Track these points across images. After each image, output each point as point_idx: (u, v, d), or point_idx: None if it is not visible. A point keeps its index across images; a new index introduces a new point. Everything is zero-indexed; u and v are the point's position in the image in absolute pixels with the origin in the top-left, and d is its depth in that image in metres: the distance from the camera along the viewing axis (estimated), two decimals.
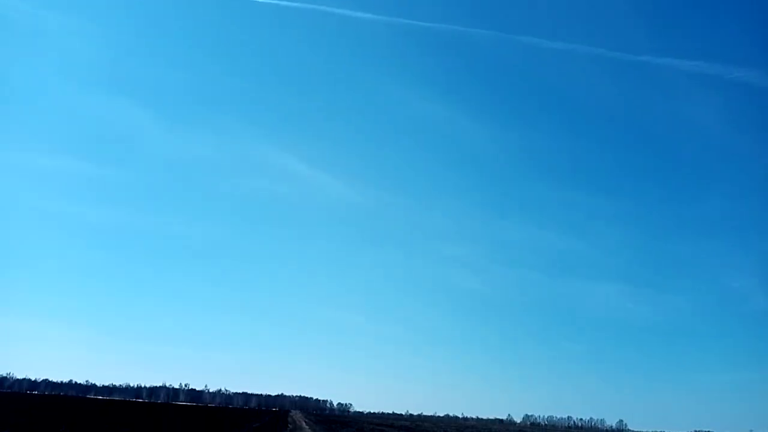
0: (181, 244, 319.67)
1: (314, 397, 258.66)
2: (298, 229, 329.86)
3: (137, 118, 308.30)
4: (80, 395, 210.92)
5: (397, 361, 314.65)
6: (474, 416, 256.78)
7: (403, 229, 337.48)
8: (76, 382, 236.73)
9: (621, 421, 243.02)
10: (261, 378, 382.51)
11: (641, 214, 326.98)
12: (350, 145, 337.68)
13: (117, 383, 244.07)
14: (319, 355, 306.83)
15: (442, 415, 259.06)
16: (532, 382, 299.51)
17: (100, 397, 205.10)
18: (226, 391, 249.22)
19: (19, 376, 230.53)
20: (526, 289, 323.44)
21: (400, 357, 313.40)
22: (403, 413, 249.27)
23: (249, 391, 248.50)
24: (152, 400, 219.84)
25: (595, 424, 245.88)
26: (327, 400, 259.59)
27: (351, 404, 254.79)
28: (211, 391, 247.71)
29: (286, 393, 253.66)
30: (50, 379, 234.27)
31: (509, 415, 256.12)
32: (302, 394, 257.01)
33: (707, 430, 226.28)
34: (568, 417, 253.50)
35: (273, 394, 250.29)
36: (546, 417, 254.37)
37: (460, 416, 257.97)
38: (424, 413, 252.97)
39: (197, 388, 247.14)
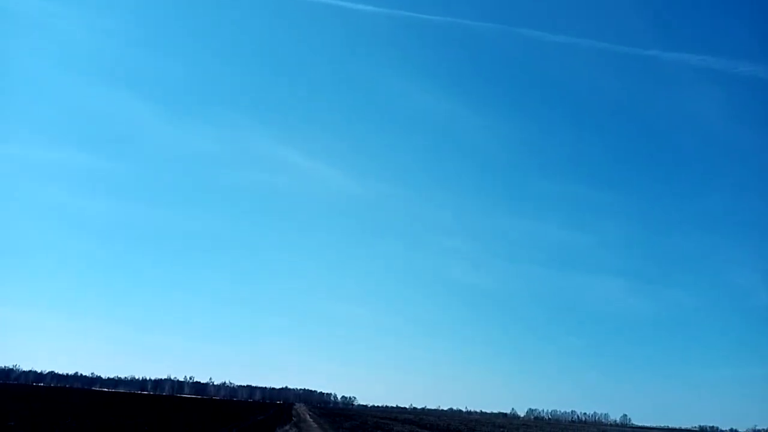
0: (184, 237, 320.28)
1: (318, 391, 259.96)
2: (299, 222, 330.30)
3: (138, 111, 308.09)
4: (86, 387, 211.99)
5: (400, 355, 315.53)
6: (478, 410, 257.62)
7: (403, 222, 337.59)
8: (81, 375, 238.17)
9: (625, 415, 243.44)
10: (265, 371, 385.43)
11: (644, 208, 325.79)
12: (351, 137, 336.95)
13: (122, 376, 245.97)
14: (324, 348, 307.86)
15: (445, 408, 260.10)
16: (535, 377, 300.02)
17: (106, 390, 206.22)
18: (231, 384, 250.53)
19: (25, 369, 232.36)
20: (530, 283, 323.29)
21: (404, 350, 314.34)
22: (407, 407, 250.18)
23: (253, 384, 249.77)
24: (157, 393, 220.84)
25: (598, 418, 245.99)
26: (331, 394, 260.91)
27: (355, 397, 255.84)
28: (215, 383, 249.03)
29: (291, 386, 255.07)
30: (56, 372, 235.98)
31: (513, 409, 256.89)
32: (306, 388, 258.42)
33: (711, 425, 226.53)
34: (572, 411, 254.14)
35: (277, 387, 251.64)
36: (550, 411, 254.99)
37: (464, 410, 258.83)
38: (428, 407, 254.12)
39: (202, 381, 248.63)
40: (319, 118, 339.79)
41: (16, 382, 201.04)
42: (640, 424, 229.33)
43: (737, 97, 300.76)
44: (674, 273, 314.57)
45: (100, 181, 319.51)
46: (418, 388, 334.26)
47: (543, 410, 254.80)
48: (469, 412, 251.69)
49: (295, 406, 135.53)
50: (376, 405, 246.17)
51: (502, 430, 68.43)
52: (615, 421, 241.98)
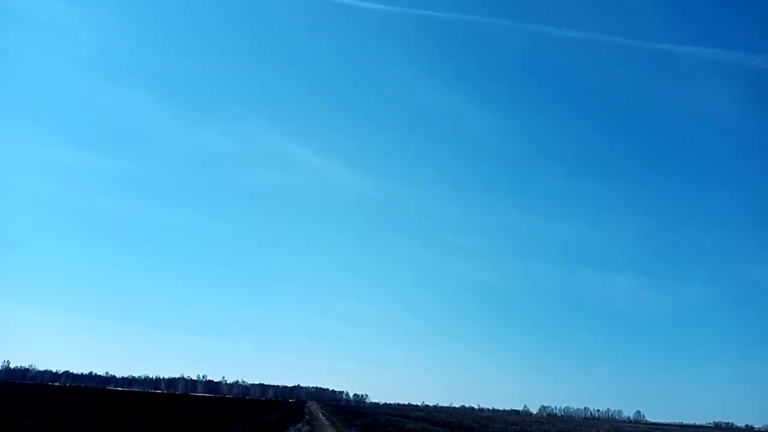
0: (198, 236, 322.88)
1: (330, 388, 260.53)
2: (309, 220, 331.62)
3: (150, 110, 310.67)
4: (100, 387, 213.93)
5: (412, 353, 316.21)
6: (490, 407, 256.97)
7: (413, 220, 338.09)
8: (96, 374, 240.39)
9: (638, 412, 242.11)
10: (277, 369, 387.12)
11: (656, 204, 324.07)
12: (361, 135, 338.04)
13: (136, 375, 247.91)
14: (335, 346, 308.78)
15: (458, 406, 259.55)
16: (548, 374, 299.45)
17: (120, 389, 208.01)
18: (244, 382, 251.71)
19: (41, 369, 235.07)
20: (541, 280, 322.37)
21: (416, 348, 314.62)
22: (419, 404, 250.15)
23: (266, 383, 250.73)
24: (171, 392, 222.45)
25: (612, 415, 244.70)
26: (343, 391, 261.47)
27: (367, 395, 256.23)
28: (228, 382, 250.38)
29: (303, 384, 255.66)
30: (71, 371, 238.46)
31: (525, 406, 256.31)
32: (318, 385, 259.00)
33: (726, 421, 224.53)
34: (585, 408, 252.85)
35: (290, 385, 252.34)
36: (563, 408, 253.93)
37: (476, 407, 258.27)
38: (440, 404, 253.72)
39: (215, 380, 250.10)
40: (329, 116, 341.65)
41: (32, 382, 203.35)
42: (654, 421, 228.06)
43: (751, 90, 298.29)
44: (687, 268, 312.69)
45: (114, 181, 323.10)
46: (430, 385, 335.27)
47: (556, 407, 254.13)
48: (481, 410, 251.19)
49: (307, 404, 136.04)
50: (388, 402, 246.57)
51: (514, 427, 68.31)
52: (628, 417, 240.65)
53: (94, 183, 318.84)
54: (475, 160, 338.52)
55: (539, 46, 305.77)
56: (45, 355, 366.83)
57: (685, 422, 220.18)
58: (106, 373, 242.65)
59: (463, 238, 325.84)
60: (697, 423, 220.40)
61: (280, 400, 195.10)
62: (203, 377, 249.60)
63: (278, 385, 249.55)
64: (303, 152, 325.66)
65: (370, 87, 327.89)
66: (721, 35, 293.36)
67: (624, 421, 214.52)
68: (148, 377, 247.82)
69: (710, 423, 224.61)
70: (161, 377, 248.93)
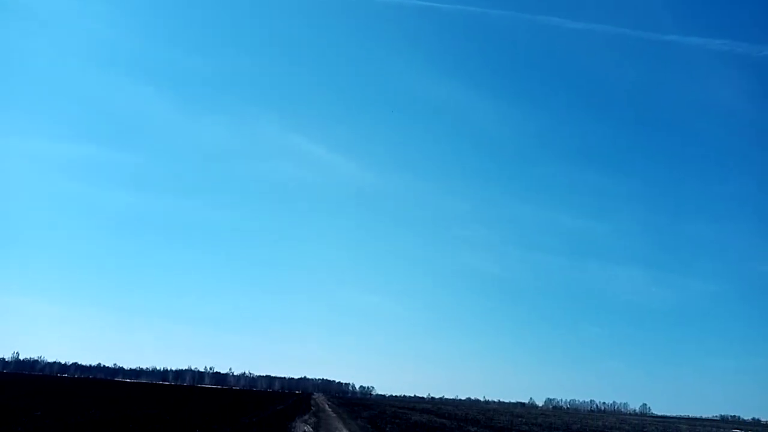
0: (204, 229, 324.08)
1: (337, 380, 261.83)
2: (314, 212, 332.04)
3: (153, 103, 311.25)
4: (108, 378, 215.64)
5: (418, 345, 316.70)
6: (496, 399, 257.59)
7: (419, 212, 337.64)
8: (104, 366, 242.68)
9: (644, 404, 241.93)
10: (284, 361, 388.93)
11: (663, 196, 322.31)
12: (365, 128, 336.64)
13: (144, 366, 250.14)
14: (342, 338, 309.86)
15: (463, 398, 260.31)
16: (554, 366, 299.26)
17: (128, 380, 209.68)
18: (250, 374, 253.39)
19: (50, 360, 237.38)
20: (547, 272, 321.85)
21: (422, 340, 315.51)
22: (425, 396, 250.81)
23: (272, 374, 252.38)
24: (178, 383, 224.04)
25: (618, 407, 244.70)
26: (349, 383, 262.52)
27: (373, 387, 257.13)
28: (235, 374, 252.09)
29: (309, 376, 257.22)
30: (80, 363, 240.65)
31: (531, 398, 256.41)
32: (325, 377, 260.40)
33: (732, 414, 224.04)
34: (591, 401, 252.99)
35: (296, 377, 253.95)
36: (568, 401, 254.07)
37: (482, 399, 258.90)
38: (446, 396, 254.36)
39: (222, 372, 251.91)
40: (333, 108, 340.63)
41: (41, 374, 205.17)
42: (660, 414, 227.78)
43: (758, 82, 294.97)
44: (693, 261, 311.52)
45: (122, 174, 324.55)
46: (436, 377, 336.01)
47: (561, 400, 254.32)
48: (487, 402, 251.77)
49: (313, 396, 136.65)
50: (394, 395, 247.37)
51: (520, 419, 68.42)
52: (634, 410, 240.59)
53: (104, 176, 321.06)
54: (481, 153, 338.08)
55: (544, 38, 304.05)
56: (54, 346, 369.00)
57: (691, 415, 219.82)
58: (114, 364, 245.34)
59: (469, 230, 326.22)
60: (704, 416, 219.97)
61: (286, 391, 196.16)
62: (210, 369, 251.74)
63: (285, 377, 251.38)
64: (308, 144, 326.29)
65: (376, 80, 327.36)
66: (728, 27, 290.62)
67: (630, 414, 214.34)
68: (156, 369, 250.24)
69: (716, 416, 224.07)
70: (169, 369, 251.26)
